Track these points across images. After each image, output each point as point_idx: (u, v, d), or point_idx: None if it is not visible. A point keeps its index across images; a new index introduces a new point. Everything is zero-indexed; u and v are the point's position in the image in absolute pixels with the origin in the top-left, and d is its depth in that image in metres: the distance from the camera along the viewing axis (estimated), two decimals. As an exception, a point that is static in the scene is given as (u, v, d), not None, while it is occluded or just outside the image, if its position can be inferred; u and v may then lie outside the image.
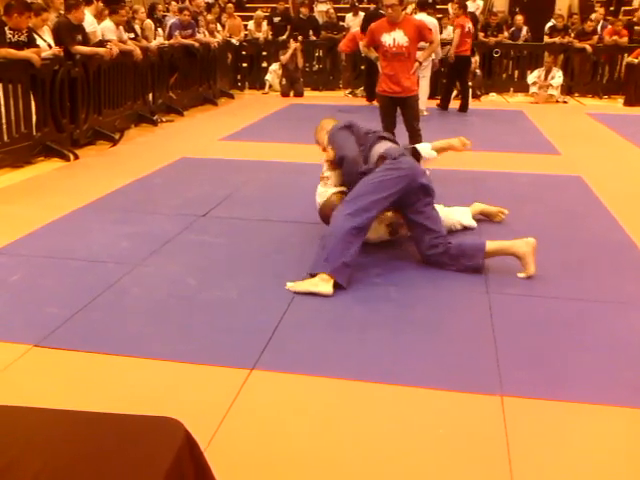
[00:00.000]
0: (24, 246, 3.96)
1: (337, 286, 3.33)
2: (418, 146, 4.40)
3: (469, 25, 10.03)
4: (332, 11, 13.57)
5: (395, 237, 3.99)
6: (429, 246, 3.61)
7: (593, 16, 12.70)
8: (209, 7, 12.59)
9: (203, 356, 2.72)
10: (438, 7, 13.64)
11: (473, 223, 4.39)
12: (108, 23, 7.81)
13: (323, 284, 3.30)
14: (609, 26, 12.46)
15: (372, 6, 15.23)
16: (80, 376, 2.58)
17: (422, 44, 6.16)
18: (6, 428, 1.40)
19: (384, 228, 3.97)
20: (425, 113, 9.04)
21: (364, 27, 10.21)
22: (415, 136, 5.90)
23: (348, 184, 3.82)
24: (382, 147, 3.83)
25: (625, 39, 11.91)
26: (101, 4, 7.96)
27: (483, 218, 4.54)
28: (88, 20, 7.50)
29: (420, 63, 6.04)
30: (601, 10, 12.90)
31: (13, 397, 2.35)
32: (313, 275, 3.37)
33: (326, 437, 2.23)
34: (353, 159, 3.76)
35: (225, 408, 2.36)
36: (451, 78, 10.36)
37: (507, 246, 3.61)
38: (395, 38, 5.65)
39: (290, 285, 3.34)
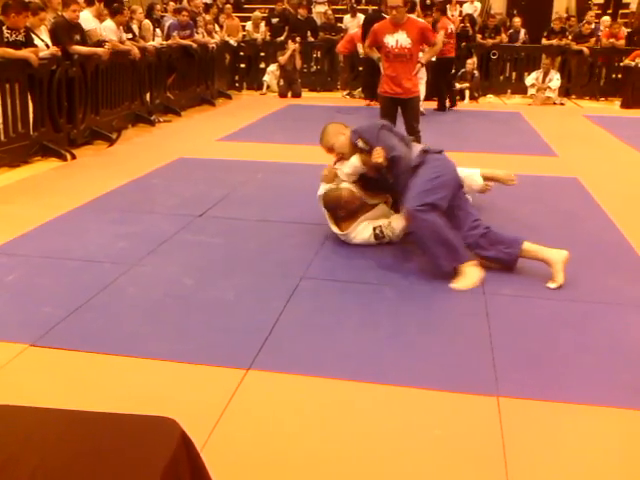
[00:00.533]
0: (20, 246, 3.95)
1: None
2: (467, 171, 4.47)
3: (451, 27, 10.28)
4: (330, 12, 13.58)
5: (379, 242, 3.97)
6: (470, 228, 3.63)
7: (591, 15, 12.66)
8: (207, 8, 12.59)
9: (199, 356, 2.71)
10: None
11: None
12: (109, 23, 7.79)
13: (475, 270, 3.47)
14: (603, 29, 12.48)
15: (370, 7, 15.31)
16: (76, 376, 2.58)
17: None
18: (3, 427, 1.40)
19: (371, 231, 3.98)
20: (422, 112, 9.18)
21: (365, 30, 10.27)
22: (414, 137, 5.91)
23: (396, 185, 3.77)
24: (419, 146, 3.88)
25: (622, 41, 11.92)
26: (102, 6, 7.92)
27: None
28: (88, 18, 7.50)
29: (422, 64, 6.07)
30: (592, 13, 12.87)
31: (9, 396, 2.34)
32: (455, 268, 3.49)
33: (322, 437, 2.23)
34: (406, 157, 3.72)
35: (221, 408, 2.35)
36: (437, 79, 10.50)
37: (543, 250, 3.57)
38: (398, 39, 5.68)
39: (457, 285, 3.43)
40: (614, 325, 3.06)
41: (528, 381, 2.56)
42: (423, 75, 9.59)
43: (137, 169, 5.93)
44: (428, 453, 2.15)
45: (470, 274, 3.49)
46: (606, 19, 12.75)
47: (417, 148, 3.82)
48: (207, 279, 3.52)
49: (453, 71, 11.53)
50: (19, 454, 1.28)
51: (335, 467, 2.08)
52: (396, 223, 3.94)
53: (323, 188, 4.09)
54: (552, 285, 3.45)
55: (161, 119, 8.81)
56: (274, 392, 2.49)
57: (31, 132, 6.24)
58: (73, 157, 6.42)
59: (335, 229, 4.04)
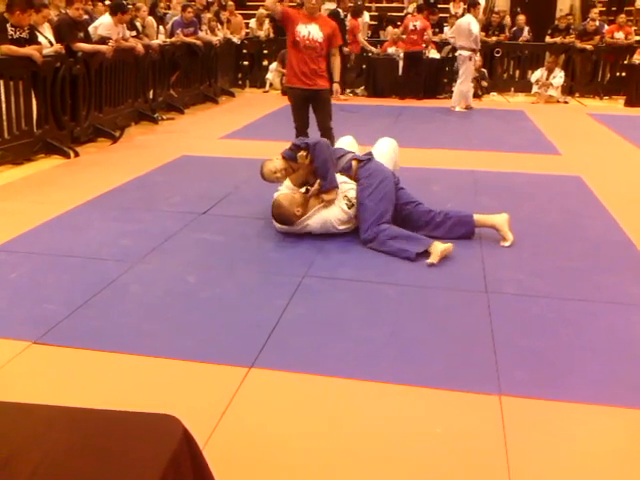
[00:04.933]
0: (24, 243, 3.96)
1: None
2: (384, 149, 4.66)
3: (414, 23, 10.98)
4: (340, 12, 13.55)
5: (352, 210, 4.09)
6: (426, 223, 4.10)
7: (595, 12, 12.53)
8: (208, 5, 12.56)
9: (202, 354, 2.72)
10: (440, 6, 13.72)
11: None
12: (106, 19, 7.74)
13: (438, 246, 3.75)
14: (607, 26, 12.41)
15: (374, 5, 15.34)
16: (79, 373, 2.59)
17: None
18: (5, 424, 1.41)
19: (343, 200, 4.09)
20: (457, 109, 10.00)
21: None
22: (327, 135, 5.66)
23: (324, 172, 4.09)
24: (349, 155, 4.30)
25: (632, 36, 11.79)
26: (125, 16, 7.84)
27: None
28: (105, 22, 7.53)
29: (338, 84, 5.84)
30: (596, 10, 12.76)
31: (12, 393, 2.36)
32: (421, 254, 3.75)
33: (324, 436, 2.23)
34: (325, 142, 4.26)
35: (223, 406, 2.36)
36: (408, 72, 11.30)
37: (489, 218, 4.16)
38: (310, 31, 5.46)
39: (431, 260, 3.70)
40: (616, 324, 3.06)
41: (530, 380, 2.56)
42: (468, 73, 10.01)
43: (140, 167, 5.93)
44: (430, 451, 2.15)
45: (435, 249, 3.74)
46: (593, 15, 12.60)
47: (346, 159, 4.28)
48: (210, 277, 3.52)
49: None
50: (21, 451, 1.28)
51: (337, 465, 2.08)
52: (351, 193, 4.13)
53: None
54: (506, 244, 4.03)
55: (164, 117, 8.82)
56: (276, 390, 2.49)
57: (35, 129, 6.25)
58: (76, 155, 6.43)
59: (300, 224, 4.09)
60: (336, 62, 5.79)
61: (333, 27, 5.64)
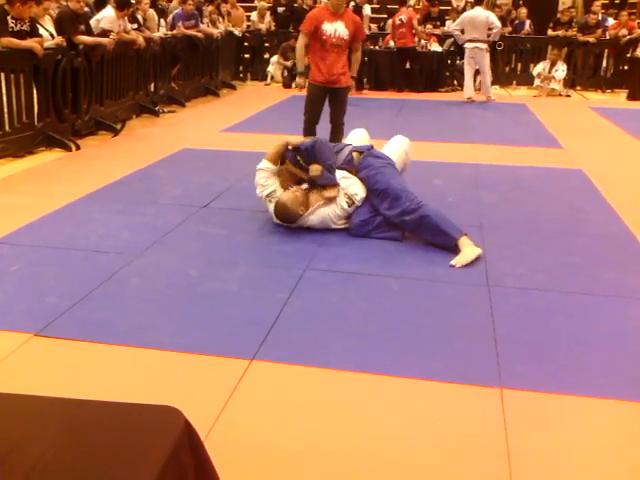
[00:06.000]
0: (25, 236, 3.96)
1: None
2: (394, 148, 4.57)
3: (400, 17, 10.98)
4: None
5: (351, 208, 4.06)
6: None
7: (597, 5, 12.45)
8: (211, -1, 12.52)
9: (203, 346, 2.72)
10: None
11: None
12: (109, 12, 7.72)
13: (473, 249, 3.68)
14: (610, 20, 12.36)
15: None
16: (80, 365, 2.59)
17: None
18: (5, 416, 1.41)
19: (343, 198, 4.05)
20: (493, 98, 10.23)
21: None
22: (338, 130, 5.78)
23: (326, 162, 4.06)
24: (348, 148, 4.28)
25: (636, 31, 11.72)
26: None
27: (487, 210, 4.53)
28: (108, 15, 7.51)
29: (355, 78, 5.91)
30: (598, 3, 12.68)
31: (13, 385, 2.36)
32: (455, 246, 3.71)
33: (325, 428, 2.23)
34: (323, 140, 4.27)
35: (225, 398, 2.36)
36: (401, 66, 11.42)
37: None
38: (337, 29, 5.47)
39: (455, 262, 3.61)
40: (617, 317, 3.06)
41: (531, 373, 2.56)
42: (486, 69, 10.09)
43: (141, 160, 5.93)
44: (431, 444, 2.15)
45: (467, 251, 3.67)
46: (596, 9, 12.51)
47: (347, 150, 4.27)
48: (211, 270, 3.52)
49: (459, 61, 11.52)
50: (20, 444, 1.28)
51: (338, 457, 2.09)
52: (352, 189, 4.08)
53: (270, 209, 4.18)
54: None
55: (165, 110, 8.81)
56: (278, 383, 2.50)
57: (36, 122, 6.24)
58: (77, 147, 6.43)
59: (302, 220, 4.08)
60: (357, 57, 5.86)
61: (357, 22, 5.69)
